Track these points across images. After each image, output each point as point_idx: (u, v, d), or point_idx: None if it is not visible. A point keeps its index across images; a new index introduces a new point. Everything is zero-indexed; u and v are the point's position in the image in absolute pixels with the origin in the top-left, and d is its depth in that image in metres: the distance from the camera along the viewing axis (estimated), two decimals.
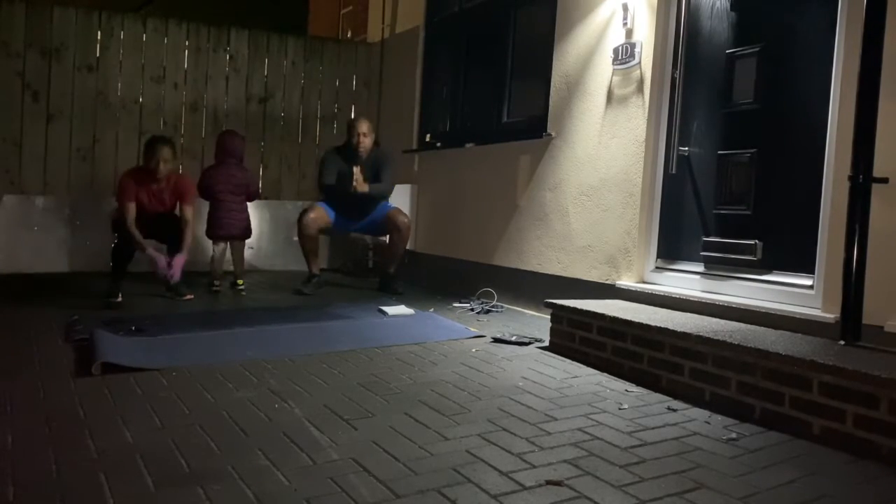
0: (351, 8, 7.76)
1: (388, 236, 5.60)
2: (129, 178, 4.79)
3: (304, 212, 5.38)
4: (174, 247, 4.85)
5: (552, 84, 4.75)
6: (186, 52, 6.38)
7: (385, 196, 5.53)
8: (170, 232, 4.84)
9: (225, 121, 6.48)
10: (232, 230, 5.32)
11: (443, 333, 3.90)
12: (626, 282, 4.05)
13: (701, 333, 2.88)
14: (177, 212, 4.90)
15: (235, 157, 5.42)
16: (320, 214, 5.36)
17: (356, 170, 5.23)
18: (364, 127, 5.40)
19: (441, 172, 5.92)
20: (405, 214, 5.52)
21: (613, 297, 4.05)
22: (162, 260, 4.64)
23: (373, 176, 5.34)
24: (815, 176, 3.23)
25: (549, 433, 2.35)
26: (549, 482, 1.94)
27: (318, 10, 8.95)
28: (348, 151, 5.42)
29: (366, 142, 5.37)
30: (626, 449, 2.23)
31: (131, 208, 4.64)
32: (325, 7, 8.58)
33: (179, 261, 4.70)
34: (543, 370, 3.22)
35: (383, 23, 6.86)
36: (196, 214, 5.00)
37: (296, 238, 5.60)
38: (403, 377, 3.00)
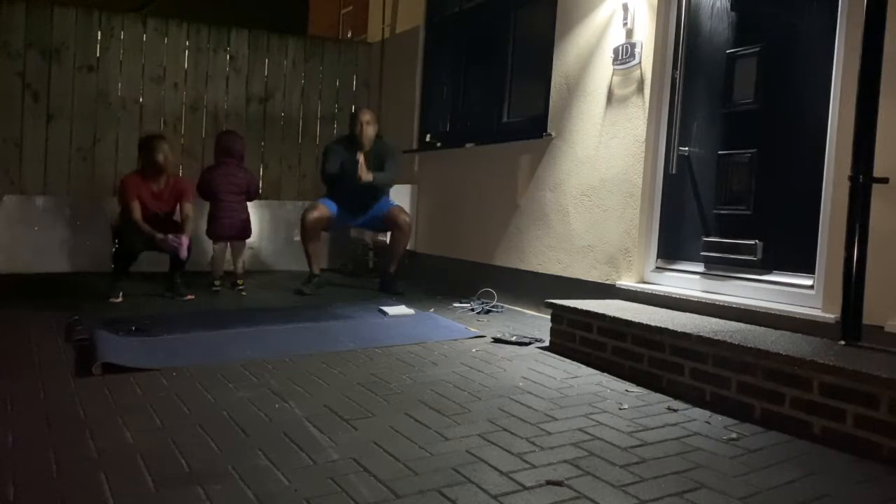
0: (351, 8, 7.77)
1: (388, 235, 5.60)
2: (131, 178, 4.81)
3: (306, 211, 5.38)
4: (178, 265, 4.86)
5: (552, 84, 4.75)
6: (187, 52, 6.38)
7: (389, 184, 5.51)
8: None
9: (225, 121, 6.48)
10: (233, 230, 5.32)
11: (443, 333, 3.90)
12: (627, 282, 4.05)
13: (701, 333, 2.88)
14: (176, 217, 4.91)
15: (235, 157, 5.42)
16: (322, 212, 5.35)
17: (360, 158, 5.20)
18: (367, 116, 5.38)
19: (441, 172, 5.92)
20: (406, 213, 5.52)
21: (614, 297, 4.05)
22: (171, 238, 4.65)
23: (377, 167, 5.33)
24: (815, 176, 3.23)
25: (550, 433, 2.35)
26: (549, 482, 1.94)
27: (318, 10, 8.96)
28: (351, 142, 5.39)
29: (369, 130, 5.34)
30: (626, 449, 2.23)
31: (136, 206, 4.67)
32: (325, 7, 8.58)
33: (185, 239, 4.71)
34: (544, 370, 3.22)
35: (383, 23, 6.86)
36: (196, 212, 5.01)
37: (297, 238, 5.60)
38: (404, 377, 3.00)
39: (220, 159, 5.38)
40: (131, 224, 4.66)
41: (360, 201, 5.41)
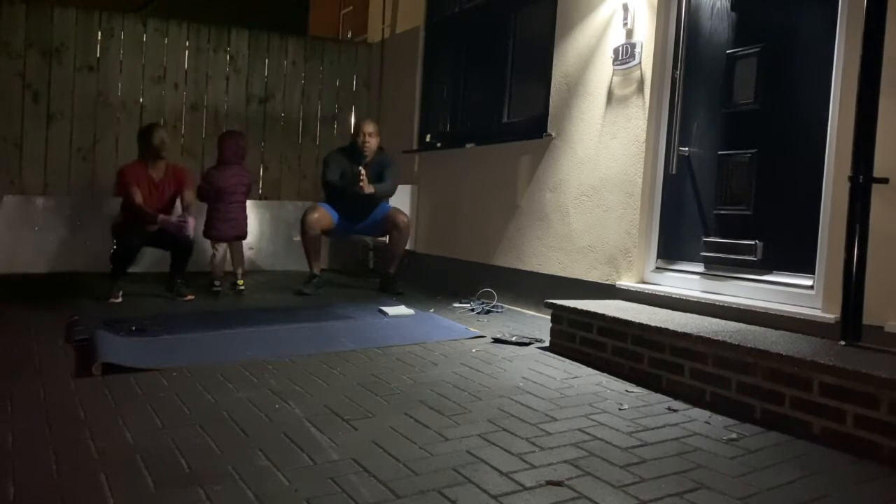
0: (351, 8, 7.77)
1: (387, 236, 5.60)
2: (130, 166, 4.79)
3: (307, 212, 5.38)
4: (179, 268, 4.86)
5: (552, 84, 4.75)
6: (187, 52, 6.38)
7: (389, 195, 5.53)
8: (172, 245, 4.85)
9: (225, 121, 6.48)
10: (239, 230, 5.34)
11: (443, 333, 3.90)
12: (627, 282, 4.05)
13: (701, 334, 2.88)
14: (176, 216, 4.89)
15: (241, 158, 5.44)
16: (323, 215, 5.36)
17: (362, 170, 5.20)
18: (370, 127, 5.40)
19: (441, 173, 5.92)
20: (404, 214, 5.52)
21: (614, 297, 4.05)
22: (173, 221, 4.64)
23: (377, 178, 5.33)
24: (815, 176, 3.23)
25: (550, 433, 2.35)
26: (549, 482, 1.94)
27: (318, 10, 8.96)
28: (353, 152, 5.41)
29: (371, 142, 5.36)
30: (626, 449, 2.23)
31: (137, 192, 4.62)
32: (325, 7, 8.58)
33: (191, 220, 4.72)
34: (544, 370, 3.22)
35: (383, 23, 6.86)
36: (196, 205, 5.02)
37: (297, 238, 5.60)
38: (404, 377, 3.00)
39: (226, 159, 5.37)
40: (131, 219, 4.64)
41: (359, 210, 5.42)
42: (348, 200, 5.35)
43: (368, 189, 5.19)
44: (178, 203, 4.95)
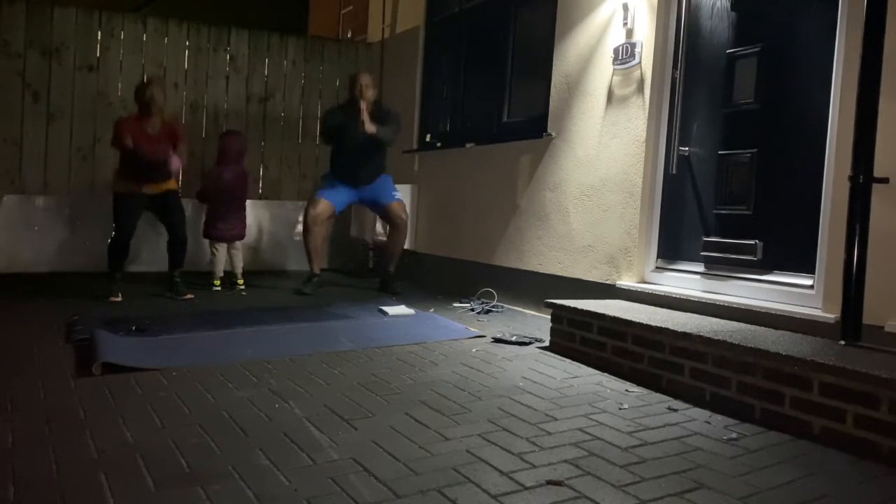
0: (351, 8, 7.77)
1: (386, 233, 5.59)
2: (125, 118, 4.79)
3: (308, 207, 5.34)
4: (177, 261, 4.85)
5: (552, 84, 4.75)
6: (187, 51, 6.37)
7: (390, 139, 5.36)
8: (171, 245, 4.85)
9: (225, 121, 6.48)
10: (239, 231, 5.35)
11: (443, 333, 3.90)
12: (627, 282, 4.05)
13: (701, 333, 2.88)
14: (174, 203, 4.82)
15: (241, 158, 5.44)
16: (324, 207, 5.32)
17: (363, 108, 5.12)
18: (367, 79, 5.31)
19: (441, 172, 5.92)
20: (405, 212, 5.51)
21: (614, 297, 4.05)
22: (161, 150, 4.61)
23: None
24: (816, 176, 3.23)
25: (550, 433, 2.35)
26: (549, 482, 1.94)
27: (318, 10, 8.96)
28: (351, 105, 5.35)
29: (368, 93, 5.27)
30: (626, 449, 2.23)
31: (128, 137, 4.55)
32: (325, 7, 8.58)
33: (176, 160, 4.71)
34: (544, 370, 3.22)
35: (383, 23, 6.86)
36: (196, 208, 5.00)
37: (298, 237, 5.57)
38: (404, 377, 3.00)
39: (228, 159, 5.38)
40: (128, 168, 4.61)
41: (362, 167, 5.32)
42: (349, 155, 5.26)
43: (370, 128, 5.09)
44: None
